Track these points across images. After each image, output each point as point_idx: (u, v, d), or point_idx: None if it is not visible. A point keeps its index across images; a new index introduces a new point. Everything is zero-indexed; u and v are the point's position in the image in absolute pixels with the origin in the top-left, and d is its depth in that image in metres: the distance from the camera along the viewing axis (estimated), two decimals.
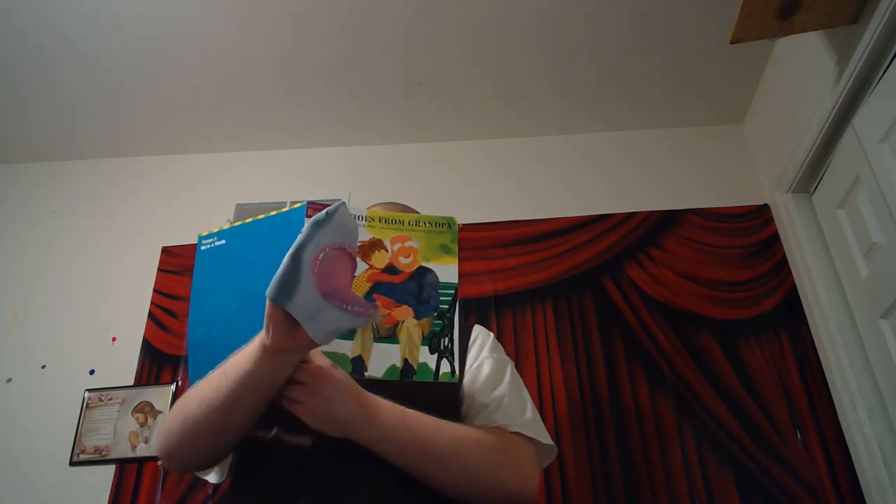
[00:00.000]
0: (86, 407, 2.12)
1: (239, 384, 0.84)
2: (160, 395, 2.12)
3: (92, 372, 2.19)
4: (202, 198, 2.55)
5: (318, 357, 0.88)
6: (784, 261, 2.21)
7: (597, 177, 2.51)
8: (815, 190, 2.12)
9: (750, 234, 2.28)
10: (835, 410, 1.93)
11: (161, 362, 2.18)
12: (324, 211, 0.76)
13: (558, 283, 2.23)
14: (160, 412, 2.09)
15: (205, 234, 0.98)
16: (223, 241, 0.96)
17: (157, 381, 2.15)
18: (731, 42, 1.69)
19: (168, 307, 2.29)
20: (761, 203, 2.35)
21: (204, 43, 2.20)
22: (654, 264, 2.25)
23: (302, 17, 2.12)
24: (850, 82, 1.75)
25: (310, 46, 2.23)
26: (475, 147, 2.63)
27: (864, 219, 1.80)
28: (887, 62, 1.65)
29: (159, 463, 2.07)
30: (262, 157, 2.67)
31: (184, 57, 2.24)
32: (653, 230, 2.32)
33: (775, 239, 2.26)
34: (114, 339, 2.25)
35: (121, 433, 2.06)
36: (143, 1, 2.05)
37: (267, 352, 0.80)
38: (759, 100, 2.44)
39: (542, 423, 1.09)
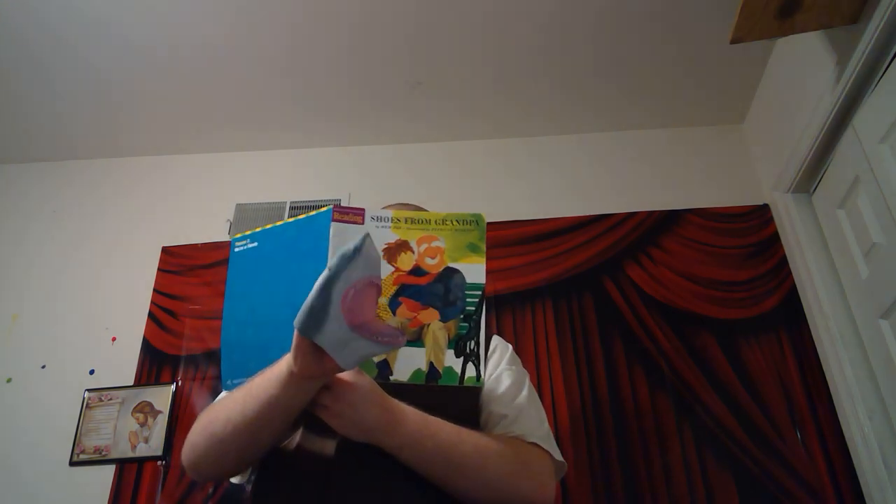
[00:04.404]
0: (86, 407, 2.12)
1: (265, 408, 0.85)
2: (160, 395, 2.12)
3: (92, 372, 2.19)
4: (202, 198, 2.55)
5: None
6: (784, 261, 2.21)
7: (597, 177, 2.51)
8: (815, 190, 2.12)
9: (750, 234, 2.28)
10: (835, 410, 1.93)
11: (161, 362, 2.18)
12: (351, 246, 0.75)
13: (558, 283, 2.23)
14: (160, 412, 2.09)
15: (238, 235, 0.98)
16: (255, 244, 0.97)
17: (157, 381, 2.15)
18: (731, 42, 1.69)
19: (168, 307, 2.29)
20: (761, 203, 2.35)
21: (204, 43, 2.20)
22: (654, 264, 2.25)
23: (302, 18, 2.12)
24: (850, 82, 1.75)
25: (310, 47, 2.23)
26: (475, 147, 2.63)
27: (864, 219, 1.80)
28: (887, 62, 1.65)
29: (160, 463, 2.08)
30: (262, 157, 2.67)
31: (184, 57, 2.24)
32: (653, 230, 2.32)
33: (775, 239, 2.26)
34: (114, 339, 2.25)
35: (121, 433, 2.06)
36: (143, 2, 2.05)
37: (294, 378, 0.81)
38: (759, 100, 2.44)
39: (554, 439, 1.10)
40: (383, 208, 1.24)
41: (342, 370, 0.80)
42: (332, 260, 0.75)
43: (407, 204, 1.31)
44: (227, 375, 0.95)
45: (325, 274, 0.74)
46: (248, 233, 0.98)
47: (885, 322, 1.74)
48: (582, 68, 2.34)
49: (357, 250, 0.75)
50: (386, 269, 0.87)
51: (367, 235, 0.77)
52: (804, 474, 1.87)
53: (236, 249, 0.98)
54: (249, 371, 0.91)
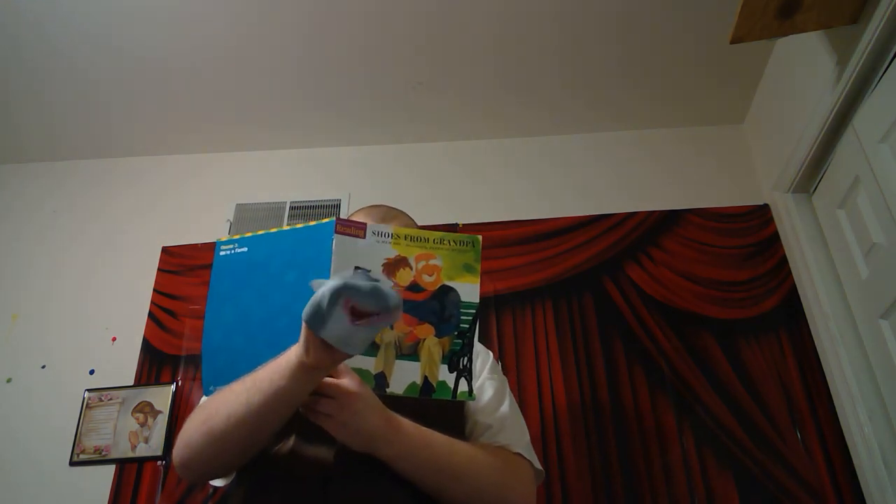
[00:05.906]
0: (86, 407, 2.12)
1: (272, 400, 0.86)
2: (160, 395, 2.12)
3: (92, 372, 2.19)
4: (202, 198, 2.55)
5: (346, 373, 0.90)
6: (784, 261, 2.21)
7: (597, 176, 2.51)
8: (815, 190, 2.12)
9: (750, 234, 2.28)
10: (835, 410, 1.93)
11: (161, 362, 2.18)
12: (369, 285, 0.77)
13: (558, 283, 2.23)
14: (160, 412, 2.09)
15: (224, 239, 0.98)
16: (245, 249, 0.96)
17: (157, 381, 2.14)
18: (731, 42, 1.69)
19: (168, 307, 2.29)
20: (761, 203, 2.35)
21: (204, 44, 2.20)
22: (654, 264, 2.25)
23: (302, 18, 2.12)
24: (850, 82, 1.75)
25: (309, 47, 2.23)
26: (475, 147, 2.63)
27: (864, 219, 1.80)
28: (887, 62, 1.65)
29: (160, 463, 2.07)
30: (262, 157, 2.67)
31: (185, 57, 2.24)
32: (653, 230, 2.32)
33: (775, 239, 2.26)
34: (114, 339, 2.25)
35: (121, 433, 2.06)
36: (144, 1, 2.05)
37: (306, 369, 0.83)
38: (759, 100, 2.44)
39: (532, 448, 1.14)
40: (357, 211, 1.26)
41: (350, 356, 0.82)
42: (353, 278, 0.77)
43: (381, 205, 1.32)
44: (210, 381, 0.94)
45: (337, 282, 0.76)
46: (237, 237, 0.97)
47: (885, 322, 1.74)
48: (581, 68, 2.34)
49: (376, 292, 0.77)
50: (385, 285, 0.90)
51: (397, 295, 0.78)
52: (804, 474, 1.87)
53: (221, 253, 0.97)
54: (235, 376, 0.90)
